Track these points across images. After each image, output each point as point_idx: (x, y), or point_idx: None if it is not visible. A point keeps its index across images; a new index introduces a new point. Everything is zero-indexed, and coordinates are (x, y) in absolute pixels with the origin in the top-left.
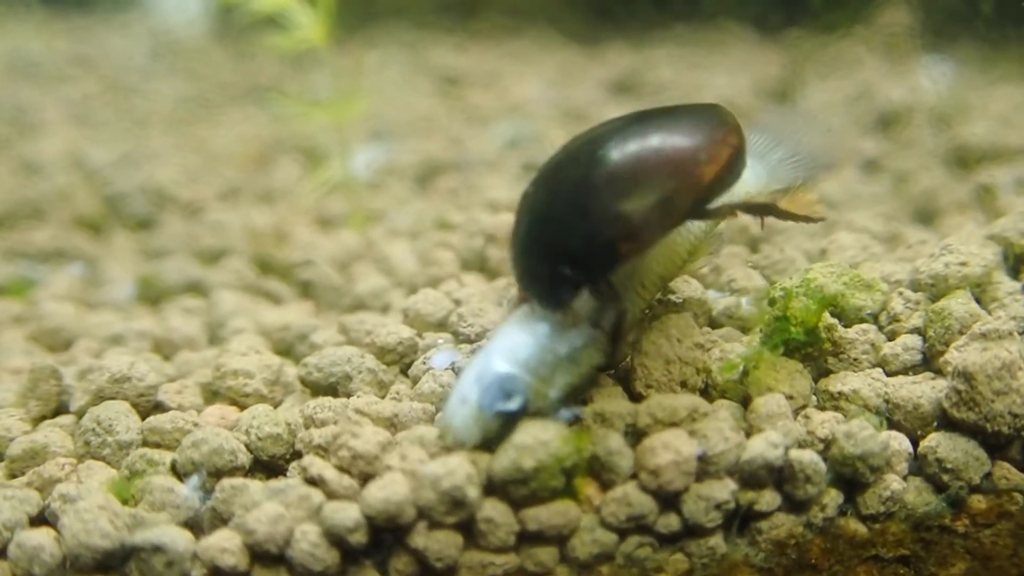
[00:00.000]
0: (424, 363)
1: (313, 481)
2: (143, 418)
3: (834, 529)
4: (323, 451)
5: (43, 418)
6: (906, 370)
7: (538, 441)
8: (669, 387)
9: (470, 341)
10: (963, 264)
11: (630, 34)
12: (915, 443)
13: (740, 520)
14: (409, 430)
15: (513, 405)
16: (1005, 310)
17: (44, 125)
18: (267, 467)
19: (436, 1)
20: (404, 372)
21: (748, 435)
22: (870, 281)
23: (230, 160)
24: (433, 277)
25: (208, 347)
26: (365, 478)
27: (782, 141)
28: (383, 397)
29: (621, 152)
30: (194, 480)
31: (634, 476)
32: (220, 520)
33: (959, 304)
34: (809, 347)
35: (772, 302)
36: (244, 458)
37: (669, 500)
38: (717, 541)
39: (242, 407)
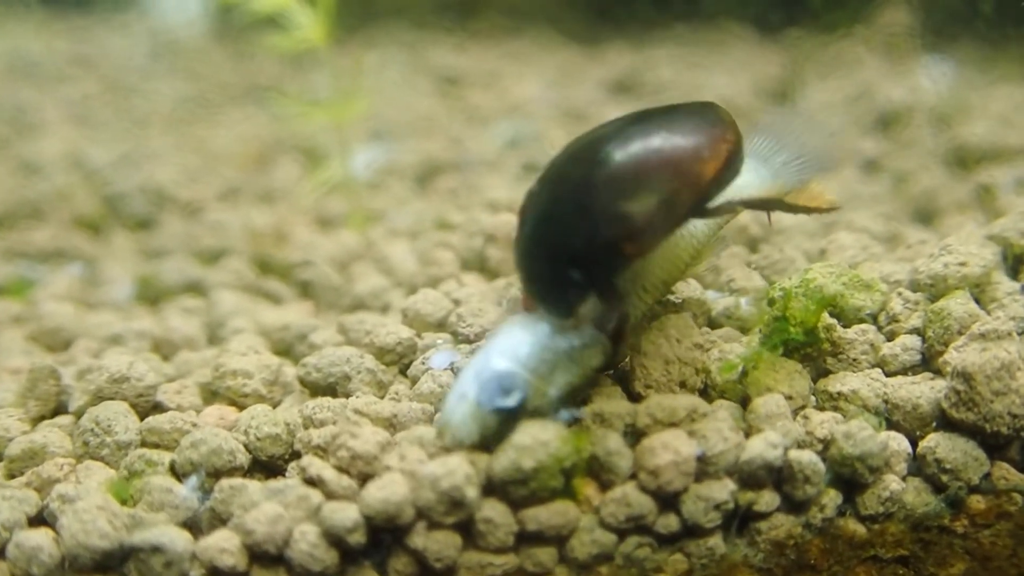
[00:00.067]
0: (423, 363)
1: (312, 481)
2: (142, 418)
3: (833, 529)
4: (322, 451)
5: (42, 418)
6: (905, 370)
7: (537, 441)
8: (668, 387)
9: (469, 341)
10: (962, 264)
11: (630, 34)
12: (914, 443)
13: (739, 520)
14: (408, 430)
15: (511, 401)
16: (1004, 310)
17: (43, 125)
18: (266, 467)
19: (436, 1)
20: (403, 372)
21: (747, 435)
22: (869, 281)
23: (230, 160)
24: (433, 277)
25: (207, 347)
26: (364, 478)
27: (785, 143)
28: (382, 397)
29: (622, 153)
30: (193, 480)
31: (633, 476)
32: (219, 520)
33: (958, 304)
34: (808, 347)
35: (771, 302)
36: (243, 458)
37: (668, 500)
38: (716, 541)
39: (241, 407)
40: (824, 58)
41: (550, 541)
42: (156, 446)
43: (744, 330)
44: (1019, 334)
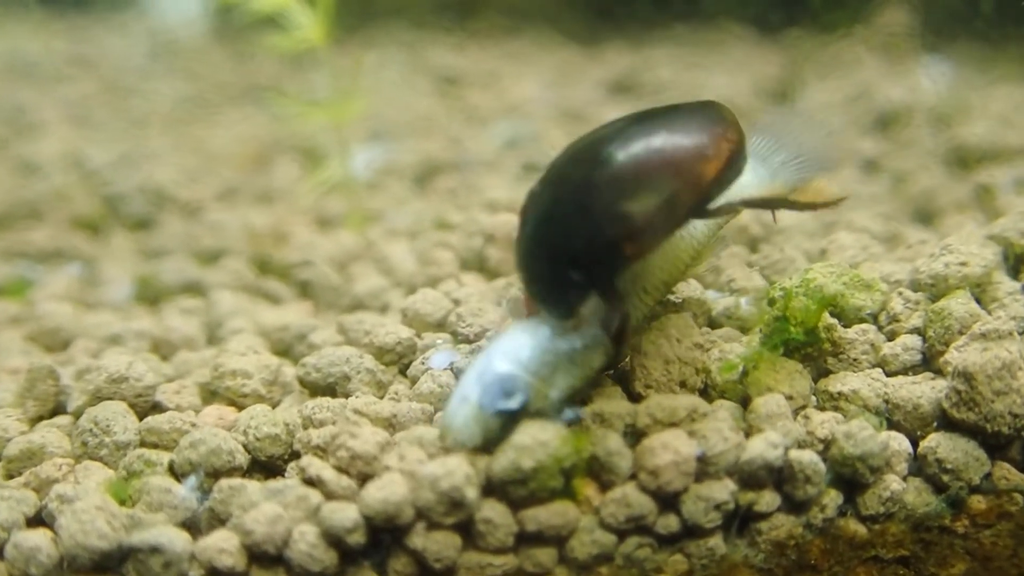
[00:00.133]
0: (423, 363)
1: (311, 481)
2: (141, 418)
3: (834, 530)
4: (321, 451)
5: (40, 418)
6: (906, 370)
7: (537, 441)
8: (668, 387)
9: (469, 341)
10: (963, 264)
11: (629, 34)
12: (915, 443)
13: (739, 521)
14: (408, 430)
15: (513, 404)
16: (1005, 310)
17: (42, 125)
18: (265, 467)
19: (435, 1)
20: (403, 372)
21: (747, 435)
22: (870, 281)
23: (229, 160)
24: (432, 277)
25: (206, 347)
26: (363, 478)
27: (784, 143)
28: (382, 397)
29: (624, 153)
30: (192, 480)
31: (633, 477)
32: (218, 520)
33: (959, 304)
34: (809, 347)
35: (772, 302)
36: (242, 458)
37: (668, 501)
38: (716, 542)
39: (240, 407)
40: (823, 58)
41: (550, 541)
42: (155, 446)
43: (744, 330)
44: (1020, 334)
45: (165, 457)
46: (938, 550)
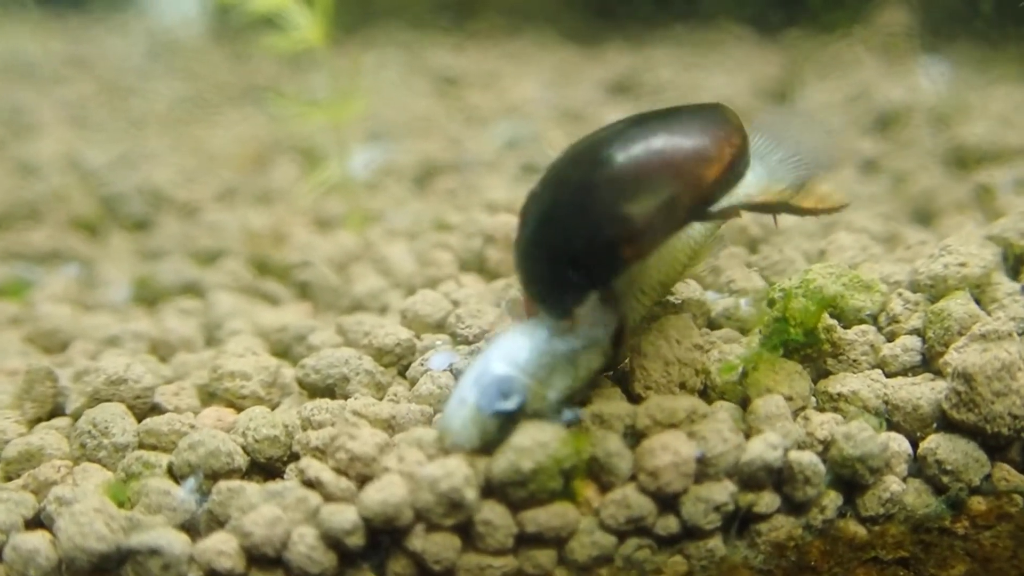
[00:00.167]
0: (422, 364)
1: (310, 483)
2: (139, 420)
3: (833, 531)
4: (320, 453)
5: (39, 420)
6: (905, 371)
7: (537, 443)
8: (668, 388)
9: (468, 342)
10: (962, 265)
11: (629, 34)
12: (915, 444)
13: (739, 522)
14: (407, 432)
15: (510, 405)
16: (1005, 311)
17: (40, 126)
18: (264, 469)
19: (434, 1)
20: (402, 374)
21: (747, 436)
22: (869, 282)
23: (227, 161)
24: (431, 278)
25: (205, 349)
26: (363, 480)
27: (782, 141)
28: (381, 399)
29: (624, 154)
30: (190, 482)
31: (633, 478)
32: (217, 523)
33: (958, 305)
34: (808, 348)
35: (771, 303)
36: (241, 460)
37: (668, 502)
38: (716, 543)
39: (239, 409)
40: (823, 58)
41: (549, 543)
42: (154, 448)
43: (744, 331)
44: (1020, 335)
45: (164, 459)
46: (938, 551)
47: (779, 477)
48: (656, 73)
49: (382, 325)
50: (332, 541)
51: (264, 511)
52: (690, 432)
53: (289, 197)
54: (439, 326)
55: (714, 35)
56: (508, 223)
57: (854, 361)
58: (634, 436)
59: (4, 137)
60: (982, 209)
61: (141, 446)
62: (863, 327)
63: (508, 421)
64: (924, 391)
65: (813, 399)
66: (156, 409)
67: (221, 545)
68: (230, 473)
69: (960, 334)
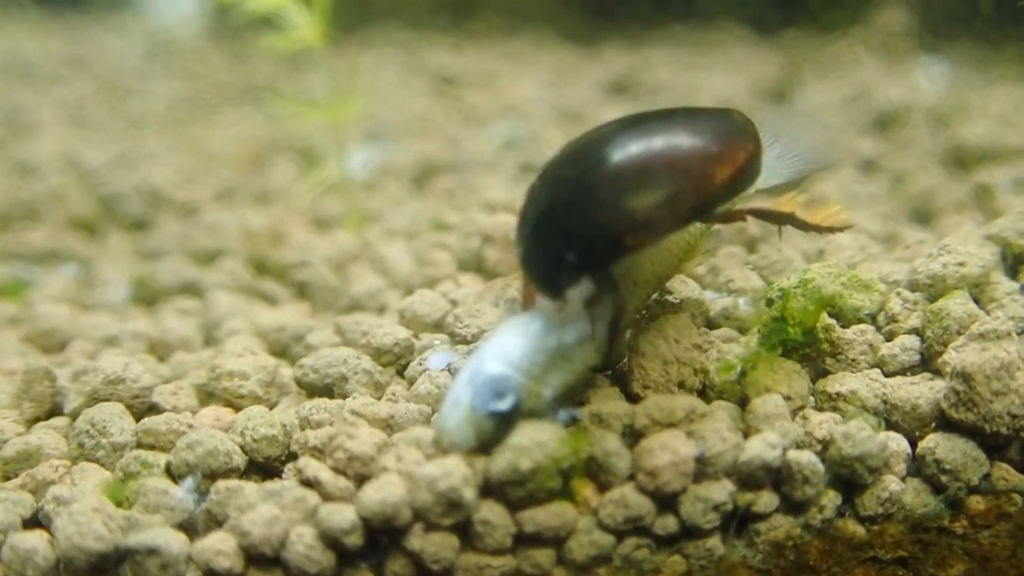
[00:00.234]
0: (420, 364)
1: (309, 483)
2: (137, 420)
3: (832, 530)
4: (319, 453)
5: (37, 420)
6: (904, 371)
7: (535, 442)
8: (667, 388)
9: (466, 342)
10: (961, 264)
11: (627, 34)
12: (913, 444)
13: (738, 521)
14: (405, 431)
15: (504, 405)
16: (1003, 310)
17: (39, 126)
18: (262, 469)
19: (432, 1)
20: (400, 373)
21: (746, 436)
22: (868, 281)
23: (226, 161)
24: (429, 278)
25: (203, 348)
26: (361, 480)
27: (780, 138)
28: (379, 398)
29: (636, 145)
30: (189, 482)
31: (632, 477)
32: (215, 522)
33: (957, 304)
34: (807, 348)
35: (770, 303)
36: (239, 460)
37: (667, 501)
38: (715, 542)
39: (237, 408)
40: (822, 58)
41: (548, 542)
42: (152, 448)
43: (742, 330)
44: (1018, 334)
45: (162, 458)
46: (937, 551)
47: (778, 476)
48: (655, 73)
49: (380, 325)
50: (330, 540)
51: (262, 510)
52: (689, 431)
53: (287, 197)
54: (437, 326)
55: (713, 35)
56: (506, 223)
57: (853, 360)
58: (632, 435)
59: (3, 137)
60: (981, 209)
61: (139, 446)
62: (862, 326)
63: (504, 420)
64: (923, 390)
65: (812, 398)
66: (154, 409)
67: (219, 544)
68: (228, 472)
69: (959, 333)
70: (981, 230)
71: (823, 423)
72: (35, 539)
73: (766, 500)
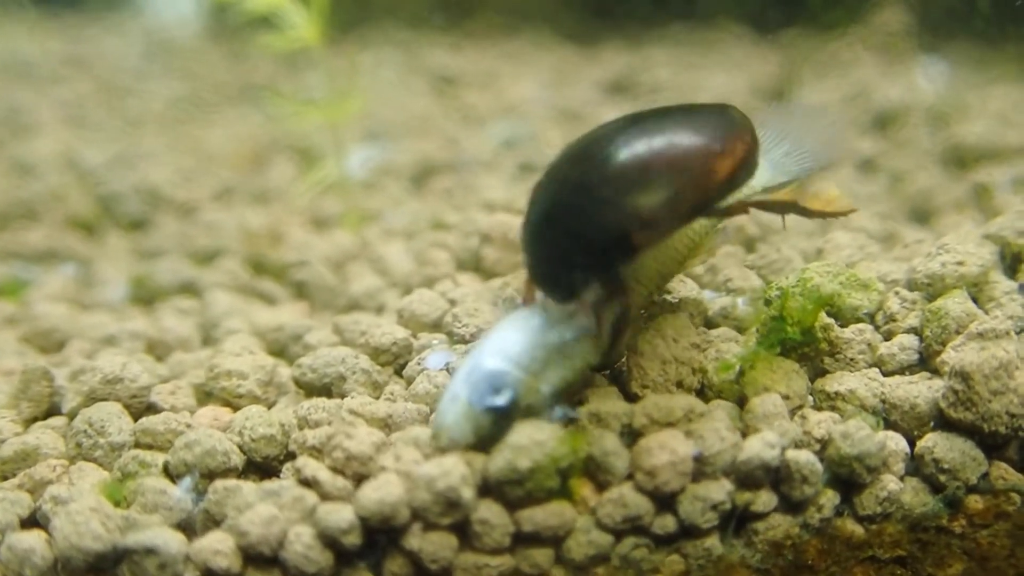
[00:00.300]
0: (419, 364)
1: (307, 482)
2: (135, 419)
3: (831, 530)
4: (317, 452)
5: (35, 419)
6: (903, 370)
7: (533, 441)
8: (665, 387)
9: (465, 341)
10: (960, 263)
11: (627, 34)
12: (912, 443)
13: (736, 521)
14: (403, 431)
15: (501, 400)
16: (1002, 309)
17: (37, 125)
18: (261, 468)
19: (431, 0)
20: (399, 373)
21: (744, 435)
22: (866, 281)
23: (224, 160)
24: (428, 277)
25: (202, 348)
26: (359, 479)
27: (785, 136)
28: (377, 398)
29: (639, 143)
30: (187, 482)
31: (630, 477)
32: (213, 522)
33: (956, 304)
34: (805, 347)
35: (768, 302)
36: (237, 459)
37: (665, 501)
38: (713, 542)
39: (235, 408)
40: (821, 58)
41: (546, 542)
42: (150, 447)
43: (741, 330)
44: (1017, 333)
45: (160, 458)
46: (935, 550)
47: (776, 476)
48: (654, 73)
49: (379, 324)
50: (329, 540)
51: (260, 510)
52: (687, 431)
53: (286, 196)
54: (436, 325)
55: (712, 35)
56: (505, 222)
57: (851, 360)
58: (631, 435)
59: (2, 136)
60: (980, 208)
61: (137, 445)
62: (860, 326)
63: (502, 416)
64: (921, 390)
65: (810, 398)
66: (152, 408)
67: (217, 544)
68: (226, 472)
69: (957, 333)
70: (980, 229)
71: (822, 422)
72: (33, 539)
73: (764, 499)
